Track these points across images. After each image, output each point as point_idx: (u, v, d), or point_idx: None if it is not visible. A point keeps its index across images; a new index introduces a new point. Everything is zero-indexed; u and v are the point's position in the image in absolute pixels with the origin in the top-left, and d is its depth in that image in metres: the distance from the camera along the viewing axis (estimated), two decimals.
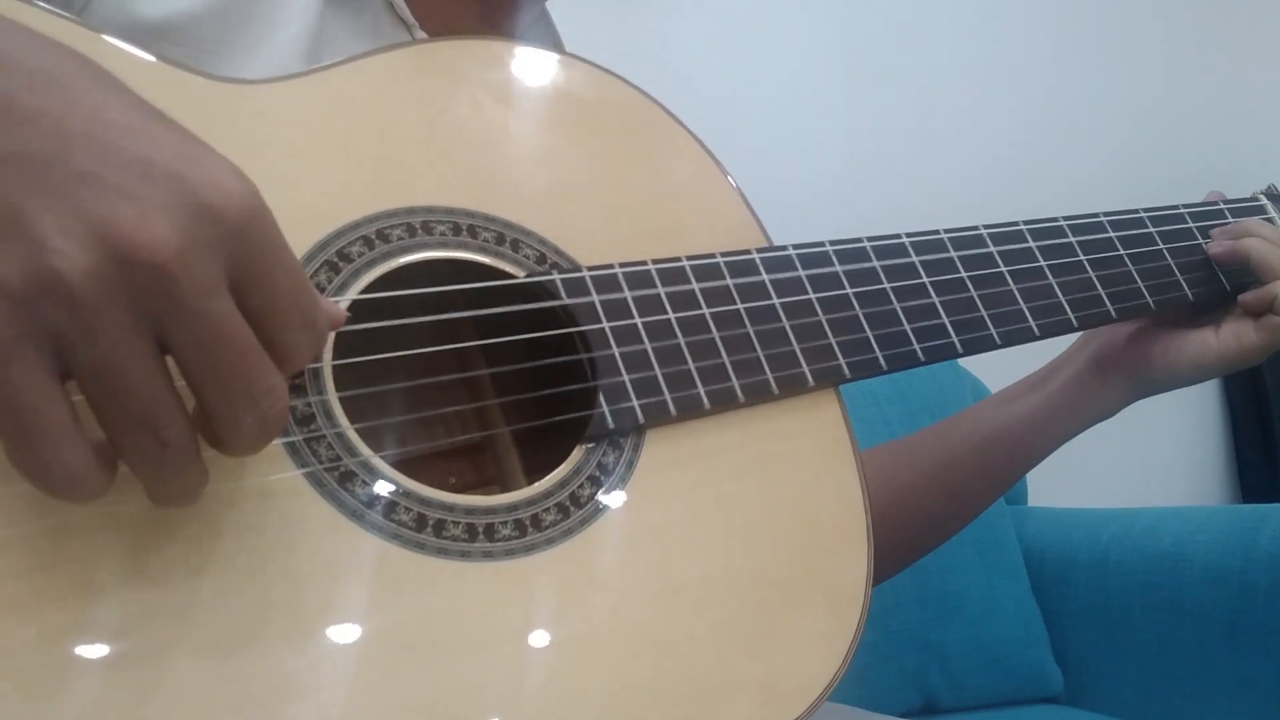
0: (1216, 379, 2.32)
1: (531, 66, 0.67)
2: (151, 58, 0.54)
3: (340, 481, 0.49)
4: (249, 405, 0.41)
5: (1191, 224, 0.82)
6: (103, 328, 0.37)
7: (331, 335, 0.52)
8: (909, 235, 0.70)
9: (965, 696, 1.53)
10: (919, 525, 0.87)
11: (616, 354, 0.58)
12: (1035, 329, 0.71)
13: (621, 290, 0.60)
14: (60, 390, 0.38)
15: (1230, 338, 0.78)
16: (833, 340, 0.64)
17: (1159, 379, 0.80)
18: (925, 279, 0.69)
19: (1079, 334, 0.85)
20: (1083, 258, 0.75)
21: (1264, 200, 0.87)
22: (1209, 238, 0.81)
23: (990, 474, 0.85)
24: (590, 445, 0.56)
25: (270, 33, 0.64)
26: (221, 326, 0.39)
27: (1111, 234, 0.78)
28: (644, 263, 0.61)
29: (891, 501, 0.82)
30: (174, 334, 0.39)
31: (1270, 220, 0.85)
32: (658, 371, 0.58)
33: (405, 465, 0.52)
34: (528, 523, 0.52)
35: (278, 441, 0.48)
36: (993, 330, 0.69)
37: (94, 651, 0.42)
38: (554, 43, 0.83)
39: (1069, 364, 0.84)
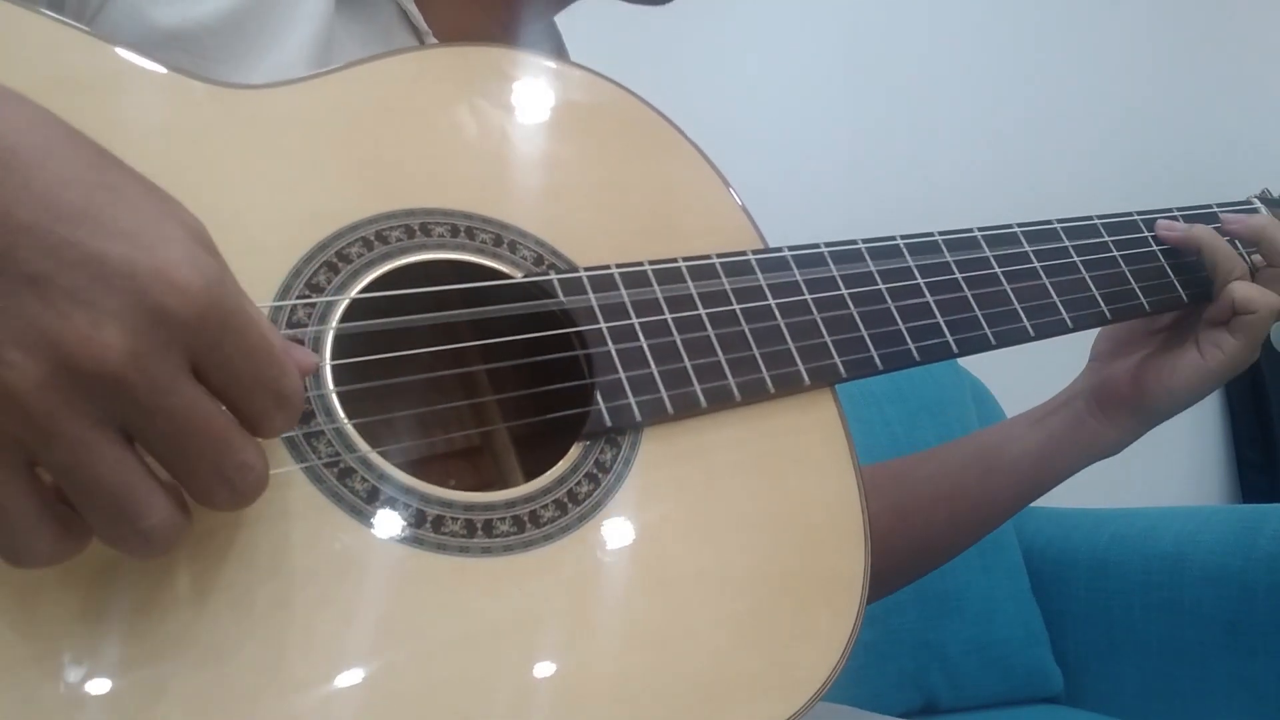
0: None
1: (529, 72, 0.67)
2: (153, 64, 0.54)
3: (339, 477, 0.49)
4: (221, 484, 0.41)
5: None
6: (61, 434, 0.37)
7: (331, 331, 0.53)
8: (904, 238, 0.70)
9: (965, 696, 1.53)
10: (921, 549, 0.87)
11: (613, 352, 0.58)
12: (1030, 329, 0.71)
13: (618, 290, 0.60)
14: (27, 482, 0.38)
15: (1212, 349, 0.78)
16: (828, 339, 0.64)
17: (1161, 407, 0.80)
18: (920, 280, 0.69)
19: (1082, 346, 0.85)
20: (1077, 259, 0.76)
21: (1258, 204, 0.87)
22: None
23: (993, 506, 0.85)
24: (588, 443, 0.56)
25: (280, 40, 0.64)
26: (183, 418, 0.39)
27: (1106, 237, 0.78)
28: (640, 264, 0.61)
29: (893, 526, 0.82)
30: (136, 431, 0.39)
31: None
32: (654, 369, 0.58)
33: (405, 467, 0.52)
34: (526, 519, 0.53)
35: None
36: (987, 330, 0.69)
37: (91, 653, 0.42)
38: (558, 49, 0.83)
39: (1070, 404, 0.83)
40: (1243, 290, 0.77)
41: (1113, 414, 0.81)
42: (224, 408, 0.41)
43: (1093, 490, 1.80)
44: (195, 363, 0.40)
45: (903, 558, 0.84)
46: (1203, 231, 0.79)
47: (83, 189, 0.38)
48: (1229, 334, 0.77)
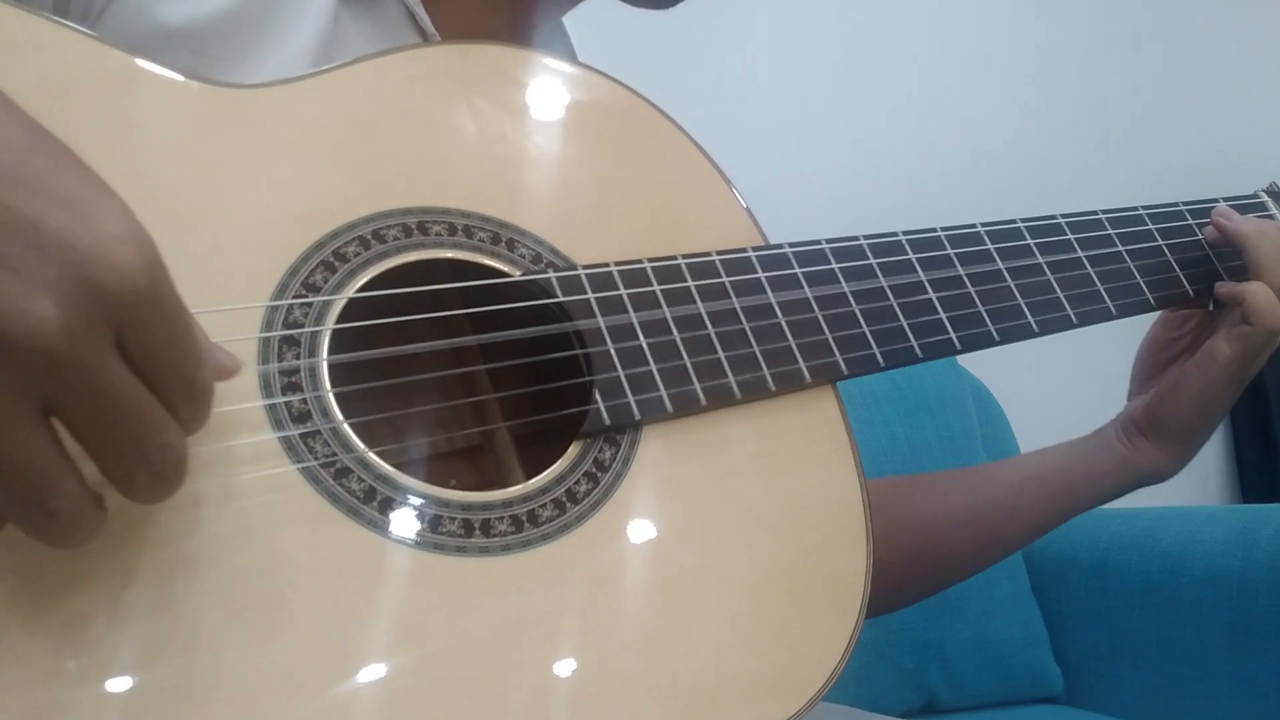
0: None
1: (529, 70, 0.67)
2: (150, 64, 0.54)
3: (336, 477, 0.49)
4: (141, 464, 0.40)
5: (1191, 220, 0.81)
6: None
7: (328, 331, 0.52)
8: (905, 233, 0.70)
9: (965, 696, 1.53)
10: (951, 562, 0.86)
11: (612, 350, 0.58)
12: (1034, 325, 0.70)
13: (617, 288, 0.60)
14: None
15: (1206, 359, 0.76)
16: (829, 336, 0.64)
17: (1173, 425, 0.78)
18: (922, 276, 0.68)
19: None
20: (1081, 254, 0.75)
21: (1265, 197, 0.86)
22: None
23: (1024, 519, 0.84)
24: (587, 442, 0.56)
25: (285, 38, 0.64)
26: (110, 397, 0.38)
27: (1110, 231, 0.78)
28: (639, 261, 0.61)
29: (925, 536, 0.82)
30: (61, 408, 0.38)
31: (1271, 217, 0.85)
32: (653, 367, 0.58)
33: (405, 467, 0.52)
34: (524, 519, 0.52)
35: (273, 436, 0.48)
36: (991, 327, 0.69)
37: (80, 653, 0.42)
38: (567, 50, 0.82)
39: (1101, 430, 0.83)
40: (1256, 297, 0.74)
41: (1135, 439, 0.80)
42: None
43: None
44: (120, 340, 0.39)
45: (929, 567, 0.84)
46: (1248, 228, 0.77)
47: (17, 153, 0.37)
48: (1225, 341, 0.75)
